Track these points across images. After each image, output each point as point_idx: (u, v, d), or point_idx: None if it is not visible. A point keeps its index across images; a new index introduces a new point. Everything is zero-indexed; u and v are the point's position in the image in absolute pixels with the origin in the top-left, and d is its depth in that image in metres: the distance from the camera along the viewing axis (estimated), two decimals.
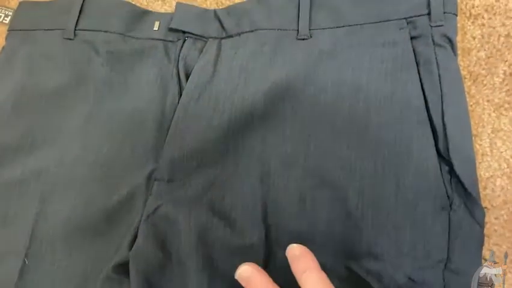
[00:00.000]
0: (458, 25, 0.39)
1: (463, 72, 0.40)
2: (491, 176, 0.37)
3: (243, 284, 0.28)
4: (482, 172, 0.38)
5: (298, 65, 0.39)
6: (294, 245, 0.30)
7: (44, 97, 0.44)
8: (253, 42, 0.41)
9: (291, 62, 0.39)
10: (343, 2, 0.40)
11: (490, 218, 0.37)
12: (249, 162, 0.37)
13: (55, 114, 0.43)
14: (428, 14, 0.37)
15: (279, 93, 0.38)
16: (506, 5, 0.40)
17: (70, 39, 0.46)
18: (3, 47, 0.48)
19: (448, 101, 0.35)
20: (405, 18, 0.38)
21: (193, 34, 0.43)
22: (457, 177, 0.33)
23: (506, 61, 0.39)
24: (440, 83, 0.35)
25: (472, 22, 0.41)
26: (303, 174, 0.35)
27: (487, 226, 0.36)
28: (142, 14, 0.46)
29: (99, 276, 0.36)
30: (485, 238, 0.34)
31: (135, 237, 0.37)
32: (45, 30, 0.47)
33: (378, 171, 0.34)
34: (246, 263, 0.29)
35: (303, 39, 0.40)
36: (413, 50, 0.37)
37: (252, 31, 0.42)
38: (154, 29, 0.45)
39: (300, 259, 0.28)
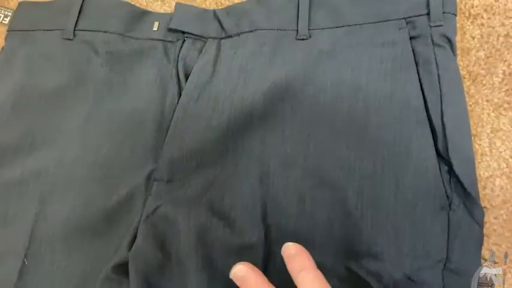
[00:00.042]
0: (458, 25, 0.39)
1: (462, 72, 0.40)
2: (491, 175, 0.37)
3: (237, 283, 0.28)
4: (482, 172, 0.38)
5: (297, 65, 0.39)
6: (289, 243, 0.29)
7: (43, 97, 0.44)
8: (252, 42, 0.41)
9: (290, 62, 0.39)
10: (342, 2, 0.40)
11: (489, 218, 0.37)
12: (248, 163, 0.37)
13: (54, 114, 0.43)
14: (428, 14, 0.37)
15: (278, 93, 0.38)
16: (505, 5, 0.40)
17: (69, 39, 0.46)
18: (2, 48, 0.48)
19: (448, 101, 0.35)
20: (404, 18, 0.38)
21: (192, 34, 0.43)
22: (456, 177, 0.33)
23: (506, 61, 0.39)
24: (439, 83, 0.35)
25: (472, 22, 0.41)
26: (302, 174, 0.35)
27: (487, 226, 0.36)
28: (142, 14, 0.46)
29: (99, 277, 0.36)
30: (485, 238, 0.33)
31: (135, 237, 0.37)
32: (44, 30, 0.47)
33: (377, 171, 0.34)
34: (241, 262, 0.29)
35: (302, 39, 0.40)
36: (413, 50, 0.37)
37: (251, 31, 0.42)
38: (154, 29, 0.45)
39: (296, 258, 0.28)
